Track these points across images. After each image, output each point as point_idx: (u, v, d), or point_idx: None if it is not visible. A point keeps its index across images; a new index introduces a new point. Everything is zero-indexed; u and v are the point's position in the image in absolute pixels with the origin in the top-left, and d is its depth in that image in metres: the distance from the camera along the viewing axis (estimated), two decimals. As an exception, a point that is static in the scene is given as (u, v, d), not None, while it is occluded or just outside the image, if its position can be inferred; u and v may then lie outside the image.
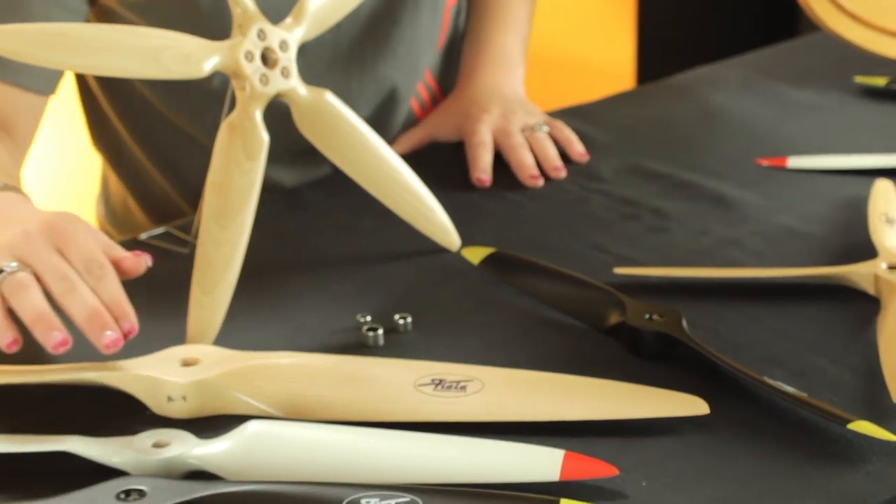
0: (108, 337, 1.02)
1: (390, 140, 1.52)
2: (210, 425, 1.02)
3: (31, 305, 1.03)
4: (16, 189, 1.21)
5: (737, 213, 1.36)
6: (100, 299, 1.04)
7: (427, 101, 1.61)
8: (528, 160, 1.45)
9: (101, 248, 1.07)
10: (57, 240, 1.06)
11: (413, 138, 1.54)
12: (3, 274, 1.04)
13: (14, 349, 1.03)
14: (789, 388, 1.03)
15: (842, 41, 1.62)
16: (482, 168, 1.44)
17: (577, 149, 1.49)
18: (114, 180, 1.61)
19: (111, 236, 1.59)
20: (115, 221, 1.64)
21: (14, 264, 1.05)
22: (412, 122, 1.59)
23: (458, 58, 1.62)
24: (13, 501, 0.91)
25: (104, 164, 1.62)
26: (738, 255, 1.28)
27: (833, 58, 1.74)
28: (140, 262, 1.08)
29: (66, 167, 3.11)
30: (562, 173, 1.45)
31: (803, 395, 1.02)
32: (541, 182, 1.44)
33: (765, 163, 1.47)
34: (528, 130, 1.48)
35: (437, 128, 1.54)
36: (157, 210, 1.57)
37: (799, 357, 1.11)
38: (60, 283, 1.04)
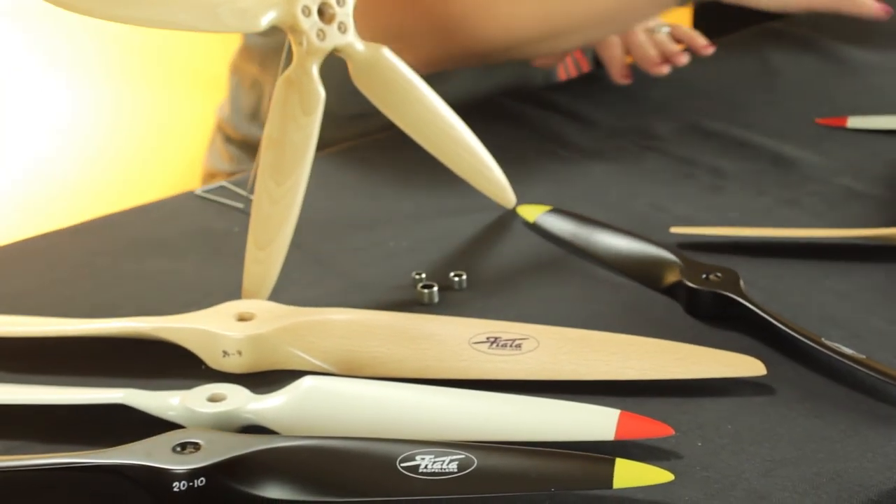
0: None
1: None
2: (265, 380, 1.03)
3: None
4: None
5: (795, 173, 1.35)
6: None
7: None
8: (651, 52, 1.53)
9: None
10: None
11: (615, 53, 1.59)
12: None
13: None
14: (847, 350, 1.02)
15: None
16: (620, 65, 1.55)
17: (700, 41, 1.55)
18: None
19: (230, 136, 1.61)
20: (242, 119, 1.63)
21: None
22: None
23: None
24: (70, 452, 0.92)
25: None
26: (796, 215, 1.27)
27: (894, 16, 1.72)
28: None
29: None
30: (682, 59, 1.53)
31: (861, 356, 1.01)
32: (665, 69, 1.54)
33: (824, 122, 1.46)
34: (649, 31, 1.55)
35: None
36: None
37: (857, 318, 1.10)
38: None
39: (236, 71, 1.64)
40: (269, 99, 1.13)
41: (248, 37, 1.63)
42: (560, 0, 1.43)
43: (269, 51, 1.59)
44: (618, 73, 1.54)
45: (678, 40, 1.56)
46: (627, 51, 1.56)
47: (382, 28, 1.43)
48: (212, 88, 1.69)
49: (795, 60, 1.63)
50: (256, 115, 1.60)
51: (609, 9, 1.45)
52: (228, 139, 1.63)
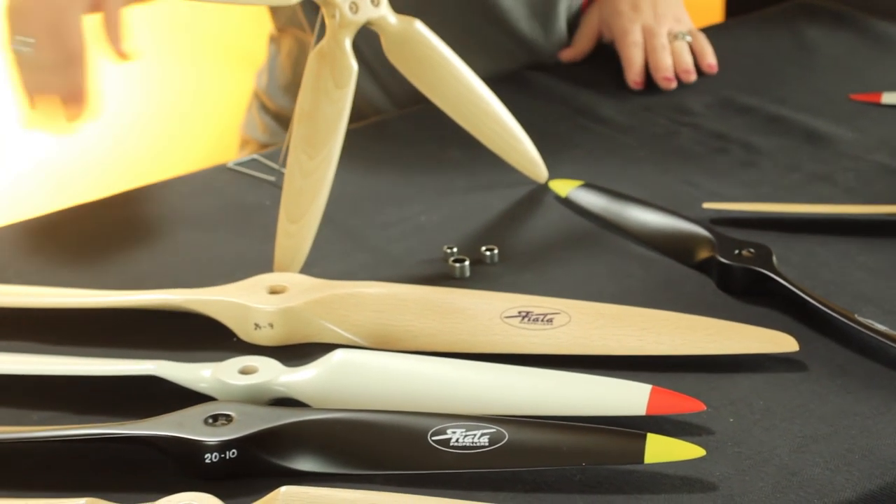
0: None
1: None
2: (296, 353, 1.03)
3: None
4: None
5: (829, 149, 1.34)
6: None
7: None
8: (666, 62, 1.50)
9: None
10: None
11: (587, 38, 1.58)
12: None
13: None
14: (880, 326, 1.01)
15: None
16: (638, 71, 1.50)
17: (708, 60, 1.53)
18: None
19: (266, 106, 1.62)
20: (278, 90, 1.63)
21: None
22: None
23: None
24: (103, 423, 0.92)
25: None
26: (829, 191, 1.26)
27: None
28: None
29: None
30: (691, 77, 1.51)
31: (894, 333, 1.01)
32: (673, 84, 1.49)
33: (858, 98, 1.45)
34: (672, 36, 1.52)
35: (594, 25, 1.58)
36: None
37: (890, 295, 1.09)
38: None
39: (275, 39, 1.63)
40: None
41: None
42: None
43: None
44: (634, 75, 1.50)
45: (693, 51, 1.53)
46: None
47: None
48: (243, 63, 1.69)
49: (830, 36, 1.62)
50: (291, 88, 1.60)
51: None
52: (264, 108, 1.63)
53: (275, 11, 1.60)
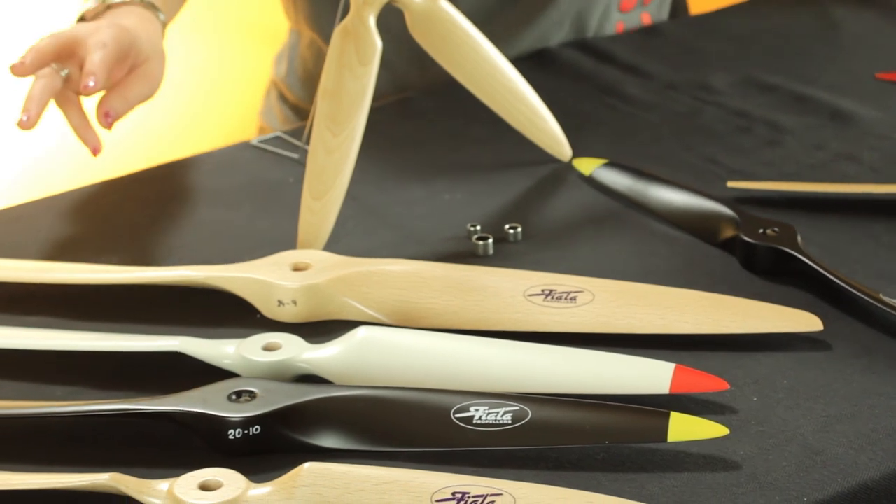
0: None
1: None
2: (319, 330, 1.03)
3: None
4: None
5: (854, 128, 1.34)
6: None
7: None
8: None
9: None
10: None
11: None
12: None
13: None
14: (905, 306, 1.01)
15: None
16: None
17: None
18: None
19: (284, 96, 1.61)
20: (296, 81, 1.63)
21: None
22: None
23: None
24: (127, 399, 0.93)
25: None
26: (854, 170, 1.26)
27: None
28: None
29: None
30: None
31: (919, 313, 1.01)
32: None
33: (884, 77, 1.44)
34: None
35: None
36: None
37: (915, 275, 1.09)
38: None
39: (296, 29, 1.62)
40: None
41: None
42: None
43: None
44: None
45: None
46: None
47: None
48: (265, 41, 1.68)
49: (856, 14, 1.61)
50: (310, 82, 1.58)
51: None
52: (283, 98, 1.62)
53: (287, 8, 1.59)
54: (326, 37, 1.43)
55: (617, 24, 1.58)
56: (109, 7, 1.25)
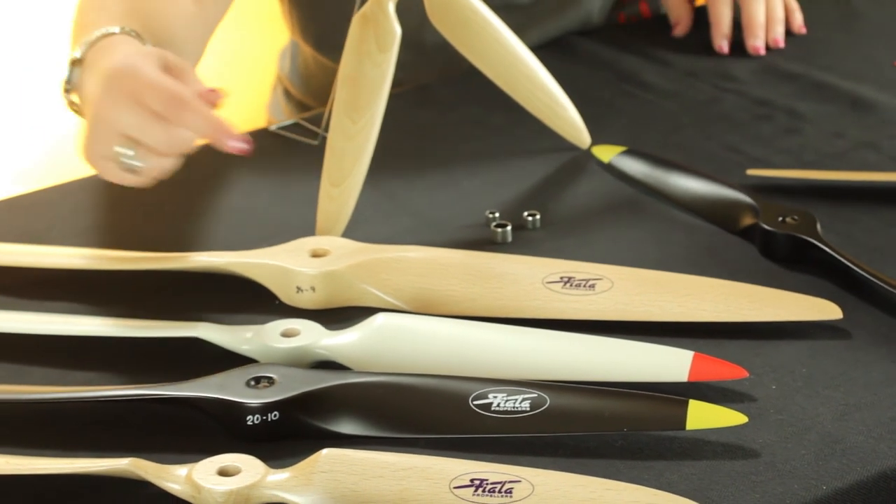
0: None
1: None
2: (338, 317, 1.03)
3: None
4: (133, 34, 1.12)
5: (874, 116, 1.33)
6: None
7: None
8: (761, 18, 1.46)
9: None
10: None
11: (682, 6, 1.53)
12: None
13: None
14: (925, 295, 1.01)
15: None
16: (724, 33, 1.46)
17: (797, 19, 1.50)
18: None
19: (289, 92, 1.60)
20: (299, 79, 1.62)
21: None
22: None
23: None
24: (145, 384, 0.93)
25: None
26: (874, 158, 1.26)
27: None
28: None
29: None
30: (780, 28, 1.47)
31: (939, 302, 1.01)
32: (763, 51, 1.45)
33: (905, 65, 1.44)
34: None
35: None
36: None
37: (936, 264, 1.09)
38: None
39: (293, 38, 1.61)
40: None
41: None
42: None
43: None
44: (720, 38, 1.45)
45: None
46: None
47: None
48: (280, 24, 1.68)
49: (876, 2, 1.60)
50: (312, 81, 1.56)
51: None
52: (288, 94, 1.61)
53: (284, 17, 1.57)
54: (321, 48, 1.48)
55: (618, 15, 1.58)
56: (104, 37, 1.11)
